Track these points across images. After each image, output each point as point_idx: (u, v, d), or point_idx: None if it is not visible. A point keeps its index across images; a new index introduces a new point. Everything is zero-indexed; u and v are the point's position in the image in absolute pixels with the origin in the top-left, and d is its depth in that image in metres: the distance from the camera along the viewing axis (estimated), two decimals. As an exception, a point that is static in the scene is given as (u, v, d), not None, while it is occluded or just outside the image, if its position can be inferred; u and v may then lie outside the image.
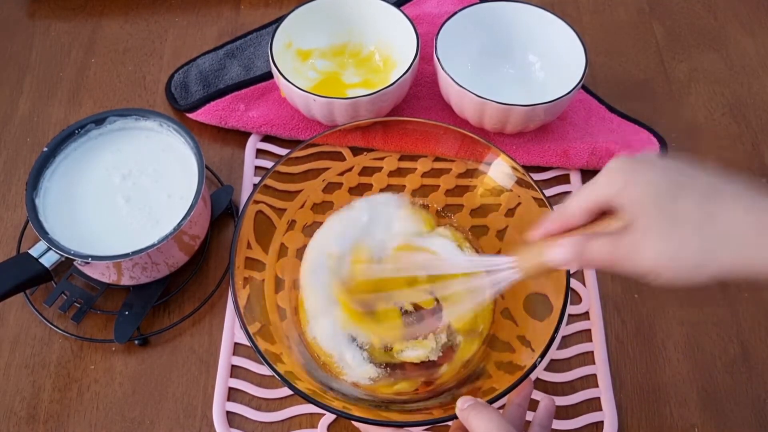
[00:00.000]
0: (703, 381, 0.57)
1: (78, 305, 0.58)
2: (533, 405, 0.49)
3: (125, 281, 0.58)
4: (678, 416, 0.55)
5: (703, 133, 0.71)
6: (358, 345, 0.55)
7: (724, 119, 0.72)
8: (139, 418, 0.55)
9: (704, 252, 0.36)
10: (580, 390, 0.56)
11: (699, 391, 0.56)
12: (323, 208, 0.62)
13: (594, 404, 0.56)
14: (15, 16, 0.78)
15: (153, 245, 0.54)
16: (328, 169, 0.62)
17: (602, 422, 0.55)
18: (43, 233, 0.54)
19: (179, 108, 0.70)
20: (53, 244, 0.54)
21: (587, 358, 0.58)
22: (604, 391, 0.56)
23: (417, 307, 0.58)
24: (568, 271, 0.51)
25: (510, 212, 0.60)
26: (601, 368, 0.57)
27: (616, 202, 0.39)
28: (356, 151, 0.64)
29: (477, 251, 0.61)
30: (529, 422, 0.46)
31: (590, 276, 0.61)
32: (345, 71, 0.71)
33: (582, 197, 0.41)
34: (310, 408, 0.55)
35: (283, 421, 0.55)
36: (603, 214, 0.41)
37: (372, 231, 0.61)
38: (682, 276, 0.37)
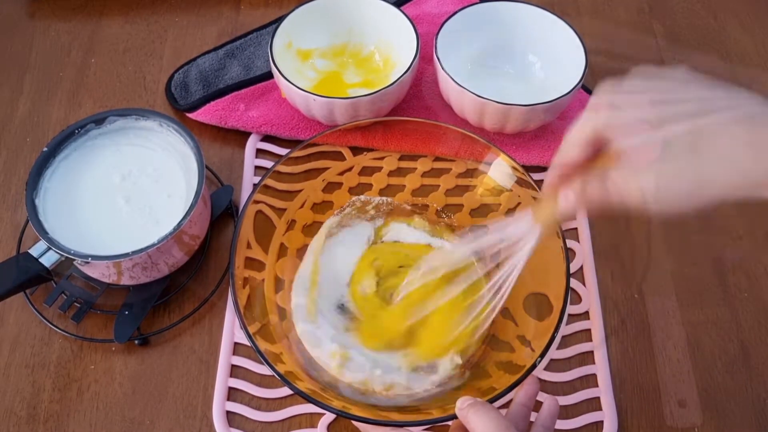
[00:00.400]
0: (703, 381, 0.57)
1: (78, 305, 0.58)
2: (537, 406, 0.49)
3: (125, 281, 0.57)
4: (678, 416, 0.55)
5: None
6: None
7: (724, 119, 0.72)
8: (139, 418, 0.55)
9: (698, 179, 0.35)
10: (580, 390, 0.56)
11: (699, 391, 0.56)
12: (323, 208, 0.62)
13: (594, 404, 0.56)
14: (15, 15, 0.78)
15: (153, 245, 0.54)
16: (327, 168, 0.62)
17: (602, 422, 0.55)
18: (43, 233, 0.54)
19: (179, 108, 0.70)
20: (53, 243, 0.54)
21: (587, 357, 0.58)
22: (604, 391, 0.56)
23: None
24: (568, 271, 0.51)
25: (510, 212, 0.60)
26: (601, 368, 0.57)
27: (605, 135, 0.38)
28: (356, 150, 0.64)
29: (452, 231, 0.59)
30: (531, 423, 0.45)
31: (590, 276, 0.61)
32: (345, 71, 0.71)
33: (572, 136, 0.40)
34: (310, 408, 0.55)
35: (282, 420, 0.55)
36: (601, 150, 0.39)
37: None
38: (676, 203, 0.35)
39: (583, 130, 0.39)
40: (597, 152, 0.40)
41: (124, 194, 0.58)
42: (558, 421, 0.54)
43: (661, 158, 0.35)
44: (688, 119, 0.35)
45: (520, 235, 0.47)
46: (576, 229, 0.64)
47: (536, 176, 0.67)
